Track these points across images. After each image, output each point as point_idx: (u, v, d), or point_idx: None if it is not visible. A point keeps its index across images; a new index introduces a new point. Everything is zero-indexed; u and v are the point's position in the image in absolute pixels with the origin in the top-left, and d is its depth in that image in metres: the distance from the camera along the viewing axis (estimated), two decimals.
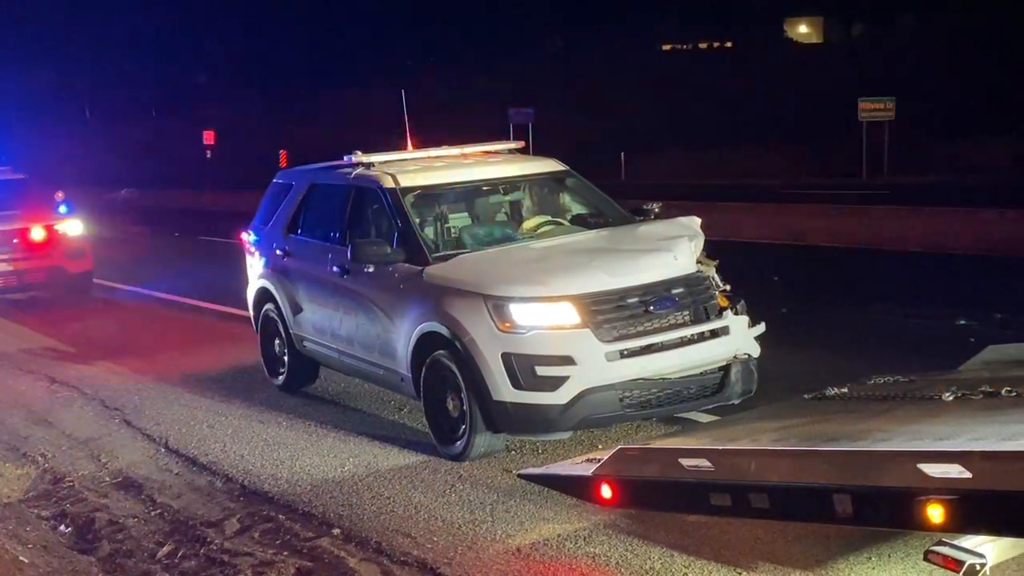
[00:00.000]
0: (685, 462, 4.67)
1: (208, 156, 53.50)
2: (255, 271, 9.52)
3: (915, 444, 4.06)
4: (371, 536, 5.84)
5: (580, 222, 8.09)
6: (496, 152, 8.90)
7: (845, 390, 5.93)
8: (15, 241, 14.45)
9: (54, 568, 5.72)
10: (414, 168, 8.20)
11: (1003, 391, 4.89)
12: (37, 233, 14.63)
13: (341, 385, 9.14)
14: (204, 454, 7.58)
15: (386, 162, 8.36)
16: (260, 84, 65.97)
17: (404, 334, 7.24)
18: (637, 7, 59.28)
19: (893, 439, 4.24)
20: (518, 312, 6.53)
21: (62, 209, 15.37)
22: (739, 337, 6.85)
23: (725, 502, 4.54)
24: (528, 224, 8.00)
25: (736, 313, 6.89)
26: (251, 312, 9.67)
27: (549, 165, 8.55)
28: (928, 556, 4.12)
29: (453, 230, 7.87)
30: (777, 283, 12.51)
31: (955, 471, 3.62)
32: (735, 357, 6.81)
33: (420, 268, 7.21)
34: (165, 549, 5.91)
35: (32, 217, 14.79)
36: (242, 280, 9.99)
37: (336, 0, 67.97)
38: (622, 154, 38.37)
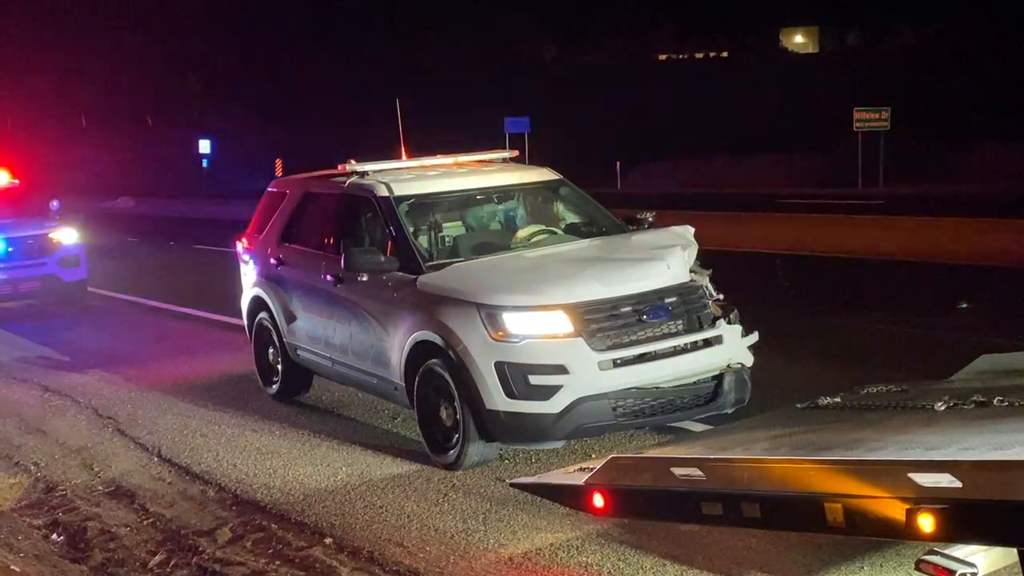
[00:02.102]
0: (677, 471, 4.67)
1: (204, 165, 53.58)
2: (249, 280, 9.52)
3: (906, 453, 4.05)
4: (363, 545, 5.83)
5: (574, 231, 8.10)
6: (490, 161, 8.92)
7: (838, 400, 5.92)
8: (10, 249, 14.43)
9: None
10: (408, 177, 8.21)
11: (995, 401, 4.89)
12: (32, 241, 14.61)
13: (335, 394, 9.13)
14: (197, 463, 7.57)
15: (380, 171, 8.37)
16: (256, 93, 66.01)
17: (398, 343, 7.24)
18: (633, 17, 59.44)
19: (885, 448, 4.24)
20: (511, 321, 6.53)
21: (55, 218, 15.36)
22: (732, 346, 6.86)
23: (717, 511, 4.53)
24: (522, 233, 8.00)
25: (729, 322, 6.90)
26: (245, 321, 9.66)
27: (543, 174, 8.56)
28: (919, 565, 4.12)
29: (447, 239, 7.87)
30: (781, 284, 12.50)
31: (946, 480, 3.62)
32: (728, 366, 6.81)
33: (414, 277, 7.21)
34: (157, 558, 5.89)
35: (27, 225, 14.77)
36: (236, 289, 10.00)
37: (333, 8, 68.07)
38: (617, 163, 38.43)
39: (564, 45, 63.18)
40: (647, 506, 5.01)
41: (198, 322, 13.52)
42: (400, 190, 7.85)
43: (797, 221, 22.18)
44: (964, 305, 8.48)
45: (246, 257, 9.62)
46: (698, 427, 7.16)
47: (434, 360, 6.90)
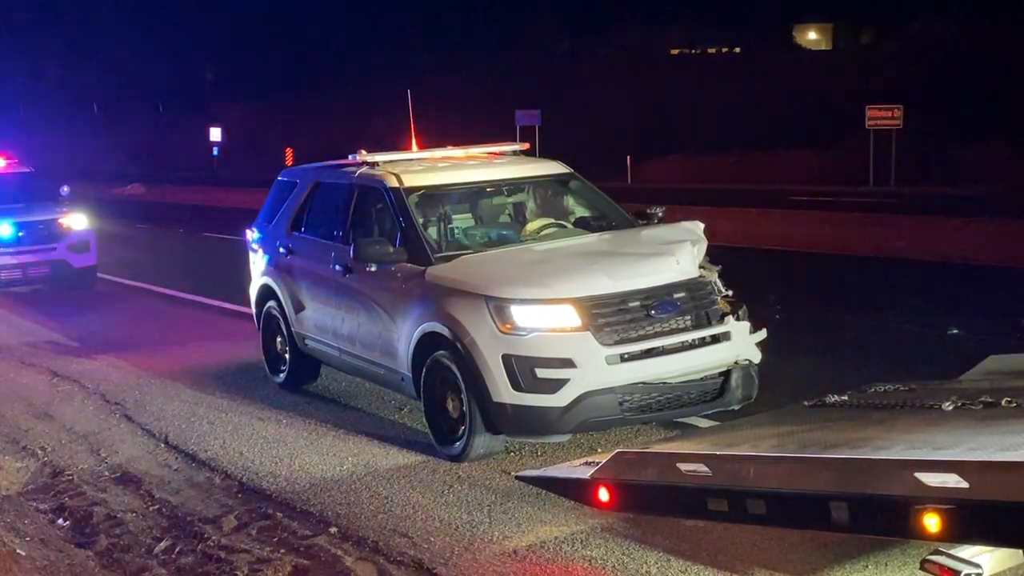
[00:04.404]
0: (683, 467, 4.67)
1: (214, 153, 53.68)
2: (258, 269, 9.53)
3: (913, 453, 4.05)
4: (368, 535, 5.84)
5: (583, 225, 8.09)
6: (501, 153, 8.91)
7: (845, 398, 5.92)
8: (20, 234, 14.47)
9: (51, 561, 5.73)
10: (418, 168, 8.21)
11: (1003, 401, 4.89)
12: (42, 227, 14.65)
13: (342, 384, 9.14)
14: (203, 450, 7.59)
15: (390, 161, 8.37)
16: (267, 82, 66.05)
17: (405, 334, 7.25)
18: (646, 11, 59.29)
19: (891, 448, 4.24)
20: (519, 314, 6.53)
21: (65, 203, 15.41)
22: (740, 343, 6.84)
23: (722, 508, 4.54)
24: (531, 226, 8.00)
25: (738, 319, 6.89)
26: (253, 309, 9.68)
27: (553, 167, 8.55)
28: (924, 565, 4.11)
29: (456, 231, 7.88)
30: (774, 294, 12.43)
31: (952, 481, 3.62)
32: (736, 363, 6.80)
33: (422, 268, 7.21)
34: (162, 544, 5.91)
35: (37, 210, 14.81)
36: (245, 277, 10.01)
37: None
38: (628, 157, 38.35)
39: (576, 38, 63.01)
40: (652, 501, 5.02)
41: (206, 310, 13.54)
42: (410, 181, 7.85)
43: (808, 218, 22.10)
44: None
45: (255, 246, 9.64)
46: (704, 423, 7.16)
47: (441, 352, 6.90)
